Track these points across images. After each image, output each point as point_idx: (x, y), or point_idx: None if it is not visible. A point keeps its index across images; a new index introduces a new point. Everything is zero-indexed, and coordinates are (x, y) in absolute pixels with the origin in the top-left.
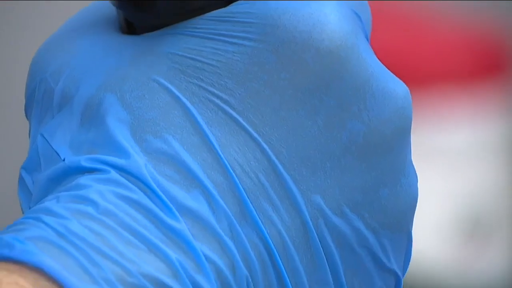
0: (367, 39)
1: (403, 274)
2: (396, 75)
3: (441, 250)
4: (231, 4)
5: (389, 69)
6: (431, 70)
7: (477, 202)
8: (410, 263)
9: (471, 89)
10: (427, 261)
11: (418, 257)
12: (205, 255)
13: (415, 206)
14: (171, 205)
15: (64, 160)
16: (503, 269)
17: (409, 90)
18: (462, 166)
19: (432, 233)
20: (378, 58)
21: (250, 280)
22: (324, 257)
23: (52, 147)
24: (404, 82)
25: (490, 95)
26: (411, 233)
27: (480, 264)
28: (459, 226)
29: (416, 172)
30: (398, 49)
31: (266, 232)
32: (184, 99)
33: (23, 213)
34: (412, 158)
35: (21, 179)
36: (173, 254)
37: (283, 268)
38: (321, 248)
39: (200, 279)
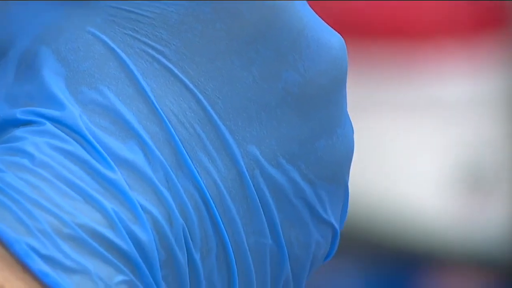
0: None
1: (341, 227)
2: (396, 28)
3: (440, 204)
4: None
5: (389, 22)
6: (431, 23)
7: (477, 155)
8: (409, 216)
9: (471, 43)
10: (426, 215)
11: (417, 212)
12: (141, 205)
13: (351, 157)
14: (106, 156)
15: None
16: (504, 223)
17: (344, 41)
18: (461, 119)
19: (431, 187)
20: (379, 13)
21: (186, 230)
22: (261, 208)
23: None
24: (405, 34)
25: (490, 49)
26: (347, 185)
27: (481, 218)
28: (459, 180)
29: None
30: (398, 2)
31: (202, 183)
32: (119, 51)
33: None
34: (348, 110)
35: None
36: (109, 204)
37: (219, 219)
38: (258, 199)
39: (136, 229)
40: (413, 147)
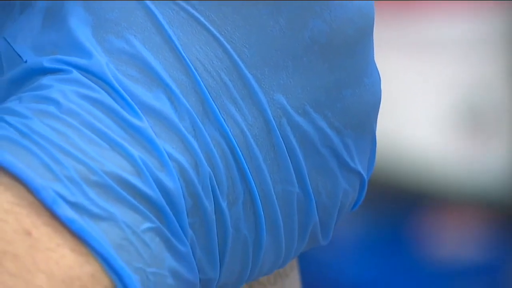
0: None
1: (368, 176)
2: None
3: (440, 143)
4: None
5: None
6: None
7: (478, 95)
8: (409, 156)
9: None
10: (426, 155)
11: (418, 151)
12: (168, 153)
13: (379, 106)
14: (133, 104)
15: (26, 61)
16: (504, 162)
17: None
18: (462, 59)
19: (432, 126)
20: None
21: (213, 177)
22: (288, 156)
23: (14, 50)
24: None
25: None
26: (375, 134)
27: (481, 158)
28: (459, 120)
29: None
30: None
31: (229, 131)
32: (145, 0)
33: None
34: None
35: None
36: (136, 152)
37: (246, 167)
38: (284, 147)
39: (163, 177)
40: (413, 88)
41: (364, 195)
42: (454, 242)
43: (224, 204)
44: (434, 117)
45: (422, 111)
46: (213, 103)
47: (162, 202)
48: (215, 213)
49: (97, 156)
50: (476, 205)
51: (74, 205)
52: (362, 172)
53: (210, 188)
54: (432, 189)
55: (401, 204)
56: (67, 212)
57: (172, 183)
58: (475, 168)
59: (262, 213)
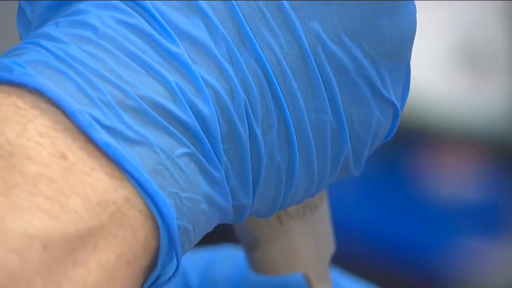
0: None
1: (402, 107)
2: None
3: (439, 81)
4: None
5: None
6: None
7: (476, 33)
8: (408, 100)
9: None
10: (425, 92)
11: (416, 89)
12: (203, 79)
13: (414, 37)
14: (170, 30)
15: None
16: (503, 100)
17: None
18: None
19: (430, 64)
20: None
21: (248, 104)
22: (322, 85)
23: None
24: None
25: None
26: (409, 64)
27: (480, 96)
28: (458, 57)
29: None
30: None
31: (264, 58)
32: None
33: None
34: None
35: (20, 10)
36: (172, 77)
37: (281, 94)
38: (319, 76)
39: (198, 102)
40: None
41: (397, 126)
42: (453, 180)
43: (258, 131)
44: (433, 55)
45: (421, 49)
46: (249, 30)
47: (197, 127)
48: (249, 140)
49: (132, 81)
50: (475, 142)
51: (109, 129)
52: (395, 102)
53: (245, 115)
54: (431, 126)
55: (400, 142)
56: (102, 136)
57: (207, 109)
58: (474, 106)
59: (296, 140)
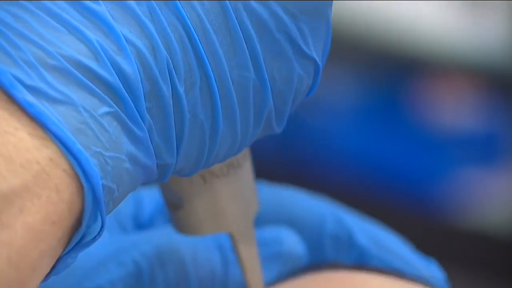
0: None
1: (322, 63)
2: None
3: (438, 11)
4: None
5: None
6: None
7: None
8: (406, 22)
9: None
10: (423, 21)
11: (414, 18)
12: (125, 37)
13: None
14: None
15: None
16: (502, 30)
17: None
18: None
19: None
20: None
21: (170, 62)
22: (244, 42)
23: None
24: None
25: None
26: (330, 21)
27: (479, 25)
28: None
29: None
30: None
31: (186, 16)
32: None
33: None
34: None
35: None
36: (94, 36)
37: (203, 51)
38: (241, 33)
39: (120, 60)
40: None
41: (319, 82)
42: (451, 110)
43: (181, 89)
44: None
45: None
46: None
47: (120, 86)
48: (172, 98)
49: (55, 40)
50: (473, 72)
51: (32, 89)
52: (317, 58)
53: (167, 73)
54: (428, 56)
55: (398, 72)
56: (25, 96)
57: (130, 67)
58: (472, 36)
59: (219, 98)
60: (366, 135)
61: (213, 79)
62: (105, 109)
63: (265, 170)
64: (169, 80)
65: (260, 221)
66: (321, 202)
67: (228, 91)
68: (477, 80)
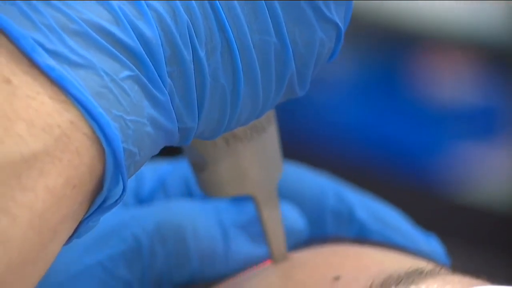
0: None
1: (344, 27)
2: None
3: None
4: None
5: None
6: None
7: None
8: (405, 4)
9: None
10: (422, 1)
11: None
12: (146, 2)
13: None
14: None
15: None
16: (501, 6)
17: None
18: None
19: None
20: None
21: (191, 27)
22: (265, 6)
23: None
24: None
25: None
26: None
27: (477, 4)
28: None
29: None
30: None
31: None
32: None
33: None
34: None
35: None
36: (115, 1)
37: (224, 16)
38: None
39: (141, 25)
40: None
41: (341, 46)
42: (450, 84)
43: (202, 54)
44: None
45: None
46: None
47: (141, 50)
48: (193, 62)
49: (75, 5)
50: (472, 46)
51: (53, 53)
52: (338, 22)
53: (188, 37)
54: (427, 30)
55: (396, 46)
56: (46, 60)
57: (151, 32)
58: (472, 9)
59: (240, 62)
60: (365, 110)
61: (234, 43)
62: (126, 73)
63: None
64: (190, 44)
65: None
66: (321, 177)
67: (249, 55)
68: (476, 54)
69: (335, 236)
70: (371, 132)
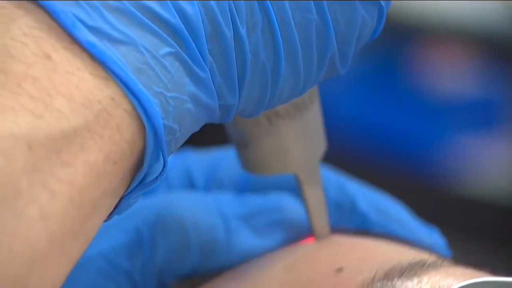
0: None
1: (387, 6)
2: None
3: None
4: None
5: None
6: None
7: None
8: None
9: None
10: None
11: None
12: None
13: None
14: None
15: None
16: (501, 2)
17: None
18: None
19: None
20: None
21: (232, 4)
22: None
23: None
24: None
25: None
26: None
27: None
28: None
29: None
30: None
31: None
32: None
33: None
34: None
35: None
36: None
37: None
38: None
39: (182, 2)
40: None
41: (383, 24)
42: (450, 75)
43: (243, 31)
44: None
45: None
46: None
47: (181, 27)
48: (234, 39)
49: None
50: (472, 38)
51: (93, 29)
52: (381, 1)
53: (229, 14)
54: (428, 22)
55: (397, 38)
56: (86, 36)
57: (191, 8)
58: (472, 2)
59: (281, 40)
60: (366, 103)
61: (275, 20)
62: (166, 49)
63: None
64: (230, 21)
65: (263, 188)
66: (323, 169)
67: (290, 32)
68: (476, 46)
69: (337, 228)
70: (372, 124)
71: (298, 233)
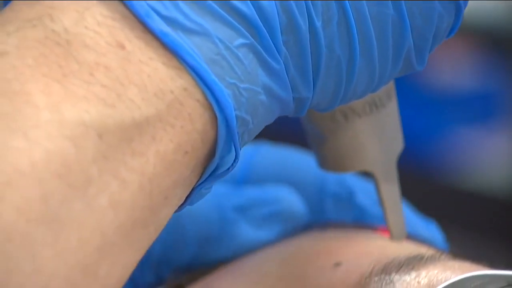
0: None
1: (465, 3)
2: None
3: None
4: None
5: None
6: None
7: None
8: None
9: None
10: None
11: None
12: None
13: None
14: None
15: None
16: None
17: None
18: None
19: None
20: None
21: None
22: None
23: None
24: None
25: None
26: None
27: None
28: None
29: None
30: None
31: None
32: None
33: None
34: None
35: None
36: None
37: None
38: None
39: None
40: None
41: (460, 22)
42: (450, 69)
43: (318, 23)
44: None
45: None
46: None
47: (256, 18)
48: (309, 32)
49: None
50: (471, 32)
51: (167, 19)
52: None
53: (304, 6)
54: None
55: None
56: (160, 25)
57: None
58: None
59: (356, 34)
60: None
61: (351, 14)
62: (240, 40)
63: (267, 130)
64: (306, 13)
65: (261, 180)
66: None
67: (366, 26)
68: (475, 39)
69: (336, 221)
70: None
71: (296, 225)
